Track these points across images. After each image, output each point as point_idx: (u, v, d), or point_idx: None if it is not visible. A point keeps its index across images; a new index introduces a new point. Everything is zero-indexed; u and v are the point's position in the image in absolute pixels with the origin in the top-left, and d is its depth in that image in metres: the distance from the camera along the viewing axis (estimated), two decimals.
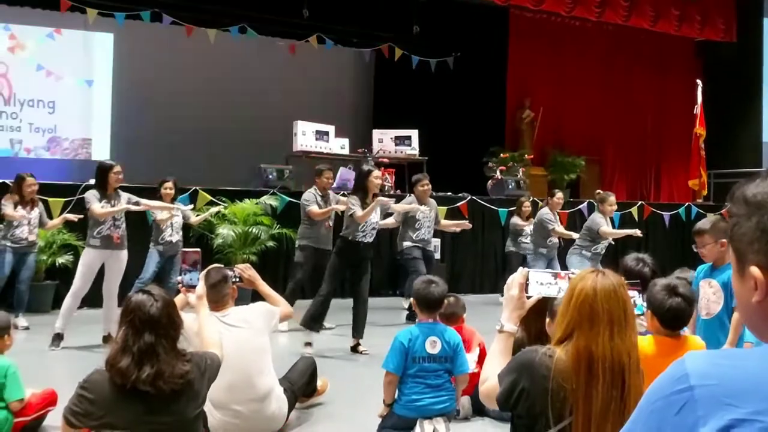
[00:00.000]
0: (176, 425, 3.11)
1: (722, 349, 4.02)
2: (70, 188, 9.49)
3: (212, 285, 4.30)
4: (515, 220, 10.77)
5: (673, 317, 3.40)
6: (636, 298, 3.28)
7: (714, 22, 15.97)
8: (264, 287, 4.71)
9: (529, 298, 2.75)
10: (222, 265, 4.83)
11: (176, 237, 8.42)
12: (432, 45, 14.46)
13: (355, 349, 7.29)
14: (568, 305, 2.46)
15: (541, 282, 2.73)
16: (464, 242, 11.95)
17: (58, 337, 7.18)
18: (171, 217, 8.29)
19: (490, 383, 2.61)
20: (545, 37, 15.55)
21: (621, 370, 2.36)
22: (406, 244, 8.85)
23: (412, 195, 9.14)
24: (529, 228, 10.50)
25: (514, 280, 2.75)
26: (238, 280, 4.52)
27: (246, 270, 4.59)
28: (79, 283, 7.22)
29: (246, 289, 4.94)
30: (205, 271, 4.30)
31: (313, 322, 7.22)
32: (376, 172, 7.38)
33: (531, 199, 11.33)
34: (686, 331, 3.63)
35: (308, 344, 7.12)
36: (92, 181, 7.86)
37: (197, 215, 9.09)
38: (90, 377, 3.08)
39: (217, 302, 4.37)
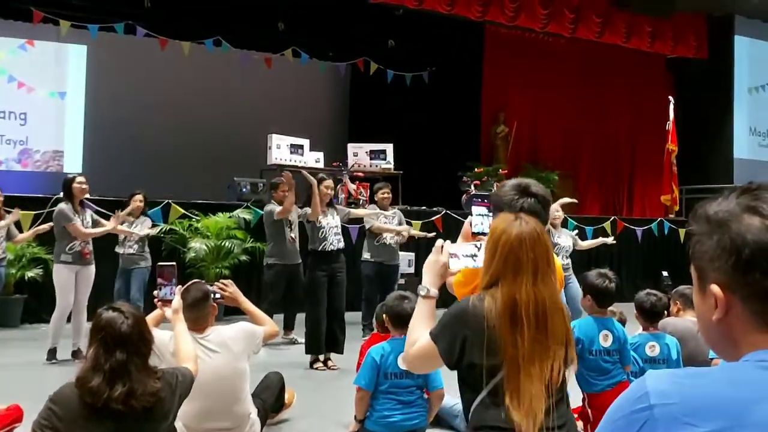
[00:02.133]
0: None
1: (685, 367, 4.08)
2: (41, 201, 9.36)
3: (193, 303, 4.07)
4: None
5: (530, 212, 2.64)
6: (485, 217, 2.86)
7: (686, 40, 16.16)
8: (247, 304, 4.49)
9: (452, 274, 2.67)
10: (202, 281, 4.56)
11: (131, 250, 8.32)
12: (407, 59, 14.51)
13: (325, 363, 7.26)
14: (494, 255, 2.42)
15: (464, 254, 2.57)
16: None
17: (52, 352, 7.25)
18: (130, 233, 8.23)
19: (421, 343, 2.49)
20: (520, 53, 15.65)
21: (544, 312, 2.38)
22: (365, 256, 8.87)
23: (374, 205, 9.18)
24: None
25: (434, 247, 2.61)
26: (218, 297, 4.30)
27: (227, 287, 4.34)
28: (64, 302, 7.27)
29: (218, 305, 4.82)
30: (185, 287, 4.07)
31: (316, 347, 7.22)
32: (328, 182, 7.39)
33: None
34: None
35: (316, 361, 7.24)
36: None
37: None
38: (60, 391, 3.01)
39: (196, 321, 4.11)
